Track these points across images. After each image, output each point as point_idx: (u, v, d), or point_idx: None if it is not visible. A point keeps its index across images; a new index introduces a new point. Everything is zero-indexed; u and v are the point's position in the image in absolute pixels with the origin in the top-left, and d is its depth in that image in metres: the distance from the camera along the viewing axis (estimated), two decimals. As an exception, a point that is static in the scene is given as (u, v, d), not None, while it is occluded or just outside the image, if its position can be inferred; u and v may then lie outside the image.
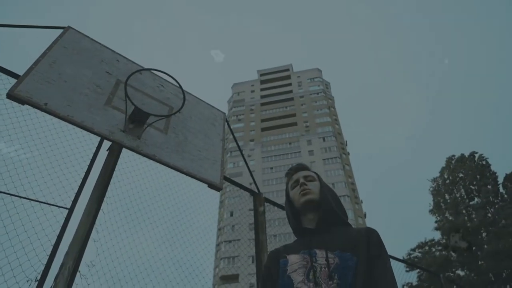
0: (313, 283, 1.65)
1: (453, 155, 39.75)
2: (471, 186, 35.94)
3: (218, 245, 60.02)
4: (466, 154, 38.50)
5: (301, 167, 2.19)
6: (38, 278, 2.75)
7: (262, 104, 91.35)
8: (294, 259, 1.79)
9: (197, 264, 4.13)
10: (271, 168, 73.25)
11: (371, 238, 1.78)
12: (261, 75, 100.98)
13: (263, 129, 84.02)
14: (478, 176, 35.83)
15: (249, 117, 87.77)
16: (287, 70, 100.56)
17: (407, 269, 24.05)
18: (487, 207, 32.86)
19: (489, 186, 34.56)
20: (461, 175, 37.51)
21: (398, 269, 7.62)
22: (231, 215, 62.42)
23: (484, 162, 36.78)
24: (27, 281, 2.67)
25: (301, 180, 2.05)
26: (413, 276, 28.79)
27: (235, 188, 5.10)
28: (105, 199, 3.40)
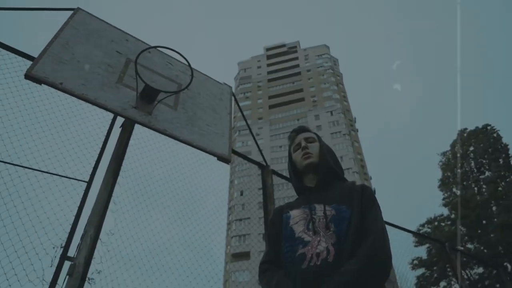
0: (312, 231, 1.85)
1: (466, 128, 39.10)
2: (482, 160, 35.65)
3: (229, 223, 60.72)
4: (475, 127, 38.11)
5: (302, 129, 2.35)
6: (63, 244, 2.98)
7: (269, 80, 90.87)
8: (295, 213, 2.00)
9: (209, 242, 4.34)
10: (280, 146, 73.38)
11: (365, 193, 1.96)
12: (267, 50, 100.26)
13: (270, 106, 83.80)
14: (489, 150, 35.51)
15: (257, 95, 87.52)
16: (294, 47, 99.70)
17: (416, 244, 24.34)
18: (498, 181, 32.73)
19: (500, 160, 34.34)
20: (471, 148, 37.16)
21: (407, 243, 7.77)
22: (241, 194, 62.87)
23: (495, 135, 36.40)
24: (53, 247, 2.90)
25: (303, 144, 2.21)
26: (422, 251, 29.10)
27: (244, 167, 5.29)
28: (120, 172, 3.61)
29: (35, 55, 3.61)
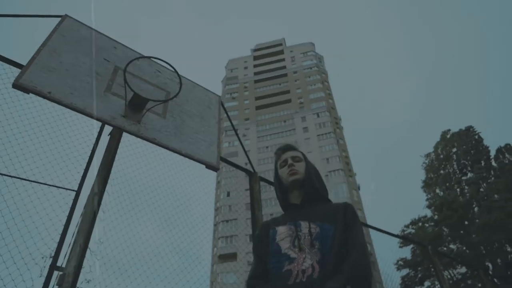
0: (298, 248, 1.94)
1: (449, 129, 39.71)
2: (464, 161, 36.15)
3: (215, 225, 60.61)
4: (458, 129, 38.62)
5: (289, 147, 2.42)
6: (52, 254, 2.99)
7: (256, 81, 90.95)
8: (282, 230, 2.08)
9: (195, 244, 4.37)
10: (267, 147, 73.47)
11: (347, 211, 2.07)
12: (254, 50, 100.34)
13: (257, 107, 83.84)
14: (472, 151, 36.03)
15: (243, 95, 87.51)
16: (280, 44, 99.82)
17: (401, 245, 24.60)
18: (480, 182, 33.21)
19: (482, 162, 34.86)
20: (454, 149, 37.65)
21: (393, 245, 7.87)
22: (228, 195, 62.81)
23: (477, 137, 36.97)
24: (42, 257, 2.91)
25: (289, 161, 2.29)
26: (407, 252, 29.46)
27: (231, 168, 5.30)
28: (109, 181, 3.62)
29: (23, 62, 3.61)
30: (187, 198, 4.52)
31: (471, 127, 37.75)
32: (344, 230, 1.96)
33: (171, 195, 4.37)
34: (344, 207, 2.09)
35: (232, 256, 56.18)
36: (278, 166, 2.39)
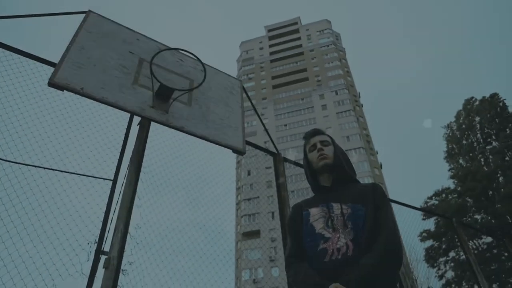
0: (332, 229, 2.05)
1: (473, 97, 38.41)
2: (488, 130, 35.24)
3: (238, 203, 61.21)
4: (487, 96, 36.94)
5: (317, 132, 2.49)
6: (97, 240, 3.22)
7: (272, 61, 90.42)
8: (314, 211, 2.19)
9: (220, 223, 4.56)
10: (285, 125, 73.47)
11: (376, 192, 2.16)
12: (269, 30, 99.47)
13: (274, 87, 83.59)
14: (496, 119, 35.05)
15: (260, 75, 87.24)
16: (295, 23, 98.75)
17: (424, 217, 24.50)
18: (505, 151, 32.54)
19: (507, 130, 33.94)
20: (477, 118, 36.72)
21: (415, 217, 7.94)
22: (249, 174, 63.12)
23: (501, 104, 35.90)
24: (88, 243, 3.14)
25: (318, 146, 2.37)
26: (430, 224, 29.28)
27: (251, 147, 5.40)
28: (141, 169, 3.81)
29: (50, 58, 3.80)
30: (211, 180, 4.69)
31: (495, 94, 36.34)
32: (374, 210, 2.05)
33: (195, 177, 4.53)
34: (373, 188, 2.18)
35: (255, 233, 56.75)
36: (307, 150, 2.45)
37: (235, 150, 4.30)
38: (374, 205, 2.08)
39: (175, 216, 4.05)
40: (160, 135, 4.41)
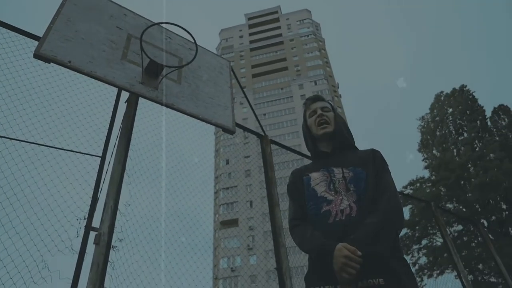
0: (334, 191, 2.06)
1: (442, 91, 39.21)
2: (460, 122, 36.07)
3: (216, 192, 61.18)
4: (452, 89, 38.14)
5: (318, 98, 2.47)
6: (86, 216, 3.10)
7: (252, 50, 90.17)
8: (315, 175, 2.18)
9: (198, 211, 4.48)
10: (264, 114, 73.51)
11: (376, 157, 2.18)
12: (249, 19, 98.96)
13: (254, 75, 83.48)
14: (467, 112, 35.91)
15: (239, 64, 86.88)
16: (276, 12, 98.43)
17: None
18: (475, 142, 33.37)
19: (477, 122, 34.82)
20: (450, 110, 37.52)
21: None
22: (227, 163, 63.12)
23: (471, 97, 36.80)
24: (77, 219, 3.02)
25: (319, 112, 2.35)
26: (405, 213, 29.81)
27: (229, 136, 5.33)
28: (130, 146, 3.69)
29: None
30: (189, 167, 4.59)
31: (464, 86, 37.25)
32: (375, 175, 2.08)
33: (173, 165, 4.42)
34: (373, 153, 2.20)
35: (233, 222, 56.94)
36: (307, 116, 2.44)
37: (225, 129, 4.22)
38: (374, 169, 2.11)
39: (154, 203, 3.95)
40: (144, 116, 4.29)
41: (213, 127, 4.70)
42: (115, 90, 4.07)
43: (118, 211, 3.15)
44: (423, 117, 40.18)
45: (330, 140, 2.30)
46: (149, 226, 3.71)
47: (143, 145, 4.06)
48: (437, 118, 38.14)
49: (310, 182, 2.17)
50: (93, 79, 3.55)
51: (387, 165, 2.19)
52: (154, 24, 4.01)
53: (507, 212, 29.09)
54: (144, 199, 3.82)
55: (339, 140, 2.28)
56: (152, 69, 3.86)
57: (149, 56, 3.77)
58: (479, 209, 29.25)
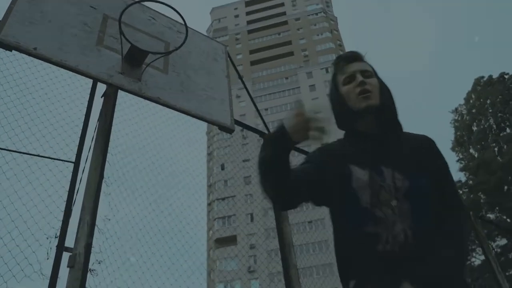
0: (385, 206, 1.73)
1: (483, 76, 38.61)
2: (501, 115, 35.67)
3: (209, 204, 60.96)
4: (495, 76, 37.52)
5: (355, 56, 2.05)
6: (58, 234, 3.11)
7: (250, 32, 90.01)
8: (359, 173, 1.81)
9: (189, 227, 4.39)
10: (266, 109, 73.27)
11: (435, 151, 1.93)
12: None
13: (252, 63, 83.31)
14: (510, 102, 35.48)
15: (235, 49, 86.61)
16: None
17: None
18: None
19: None
20: (489, 101, 37.08)
21: None
22: (222, 168, 62.85)
23: None
24: (47, 238, 3.03)
25: (359, 78, 1.93)
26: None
27: (225, 136, 5.31)
28: (109, 149, 3.69)
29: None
30: (177, 174, 4.56)
31: (505, 73, 36.79)
32: (437, 181, 1.80)
33: (159, 171, 4.39)
34: (429, 145, 1.94)
35: (231, 240, 56.68)
36: (339, 82, 2.03)
37: (222, 127, 4.23)
38: (436, 172, 1.83)
39: (138, 217, 3.95)
40: (125, 112, 4.29)
41: (204, 125, 4.71)
42: (90, 82, 4.07)
43: (96, 228, 3.16)
44: (456, 109, 39.68)
45: (374, 117, 1.92)
46: (133, 245, 3.72)
47: (124, 148, 4.07)
48: (474, 111, 37.69)
49: (352, 179, 1.81)
50: (63, 69, 3.57)
51: (447, 162, 1.95)
52: (135, 2, 4.02)
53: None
54: (126, 212, 3.83)
55: (387, 118, 1.95)
56: (133, 57, 3.88)
57: (129, 40, 3.79)
58: None
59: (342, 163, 1.87)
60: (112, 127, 3.97)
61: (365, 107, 1.89)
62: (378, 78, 2.03)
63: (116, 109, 4.07)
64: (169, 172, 4.48)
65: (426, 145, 1.94)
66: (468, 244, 1.76)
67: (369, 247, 1.69)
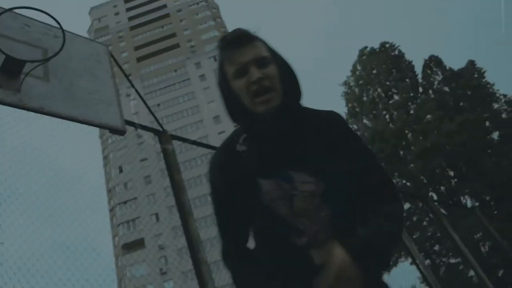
0: (301, 215, 1.60)
1: (366, 47, 39.56)
2: (388, 83, 36.75)
3: (111, 210, 59.62)
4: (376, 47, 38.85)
5: (245, 38, 1.63)
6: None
7: (132, 28, 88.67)
8: (268, 186, 1.62)
9: (89, 240, 4.31)
10: (158, 105, 72.58)
11: (343, 128, 1.75)
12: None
13: (139, 59, 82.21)
14: (393, 70, 36.63)
15: (119, 47, 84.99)
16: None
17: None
18: (409, 104, 34.60)
19: (407, 80, 36.00)
20: (374, 71, 37.87)
21: None
22: (120, 171, 61.60)
23: (396, 52, 37.80)
24: None
25: (255, 74, 1.56)
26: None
27: (119, 138, 5.31)
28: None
29: None
30: (72, 184, 4.47)
31: (386, 42, 38.37)
32: (357, 170, 1.64)
33: (52, 183, 4.29)
34: (338, 124, 1.74)
35: (138, 244, 55.77)
36: (228, 73, 1.65)
37: (113, 130, 4.21)
38: (352, 160, 1.65)
39: (35, 236, 3.85)
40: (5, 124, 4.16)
41: (96, 130, 4.65)
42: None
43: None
44: (345, 81, 40.37)
45: (276, 118, 1.62)
46: (31, 266, 3.62)
47: (10, 163, 3.95)
48: (361, 81, 38.82)
49: (262, 195, 1.62)
50: None
51: (359, 136, 1.82)
52: (4, 11, 3.89)
53: (456, 180, 30.65)
54: (21, 232, 3.72)
55: (292, 113, 1.67)
56: (10, 67, 3.75)
57: (3, 51, 3.67)
58: (425, 180, 30.48)
59: (247, 178, 1.65)
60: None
61: (264, 111, 1.58)
62: (277, 59, 1.67)
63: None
64: (64, 182, 4.39)
65: (335, 127, 1.71)
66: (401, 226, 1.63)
67: (295, 262, 1.58)
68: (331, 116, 1.75)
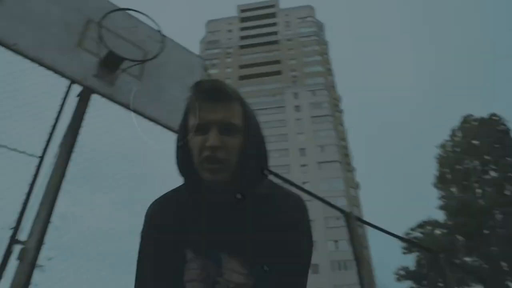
0: None
1: (471, 115, 38.62)
2: (487, 157, 35.48)
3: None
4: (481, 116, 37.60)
5: (220, 94, 1.43)
6: (13, 226, 3.26)
7: (241, 47, 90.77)
8: (192, 263, 1.46)
9: None
10: (250, 125, 73.33)
11: (297, 232, 1.49)
12: (242, 11, 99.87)
13: (241, 77, 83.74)
14: (496, 146, 35.55)
15: (225, 62, 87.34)
16: (273, 6, 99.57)
17: (405, 251, 24.74)
18: (505, 183, 33.08)
19: (508, 158, 34.41)
20: (476, 142, 36.59)
21: (393, 250, 7.69)
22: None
23: (503, 128, 36.42)
24: (1, 228, 3.17)
25: (212, 140, 1.37)
26: (410, 261, 29.30)
27: None
28: (75, 148, 3.85)
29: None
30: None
31: (494, 114, 37.13)
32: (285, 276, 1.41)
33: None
34: (292, 215, 1.50)
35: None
36: (189, 122, 1.47)
37: (191, 139, 4.40)
38: (285, 264, 1.41)
39: (100, 218, 4.06)
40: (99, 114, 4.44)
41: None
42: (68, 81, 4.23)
43: (51, 224, 3.30)
44: (443, 144, 39.53)
45: (221, 190, 1.45)
46: (89, 244, 3.83)
47: (93, 147, 4.20)
48: (459, 149, 37.56)
49: (184, 271, 1.46)
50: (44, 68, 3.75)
51: (310, 243, 1.54)
52: (116, 9, 4.23)
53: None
54: (87, 211, 3.94)
55: (240, 190, 1.45)
56: (110, 61, 4.08)
57: (108, 45, 3.99)
58: (506, 268, 28.97)
59: (176, 247, 1.49)
60: (84, 127, 4.14)
61: (209, 180, 1.40)
62: (250, 129, 1.48)
63: (90, 110, 4.24)
64: (146, 175, 4.56)
65: (288, 219, 1.48)
66: None
67: None
68: (290, 205, 1.52)
